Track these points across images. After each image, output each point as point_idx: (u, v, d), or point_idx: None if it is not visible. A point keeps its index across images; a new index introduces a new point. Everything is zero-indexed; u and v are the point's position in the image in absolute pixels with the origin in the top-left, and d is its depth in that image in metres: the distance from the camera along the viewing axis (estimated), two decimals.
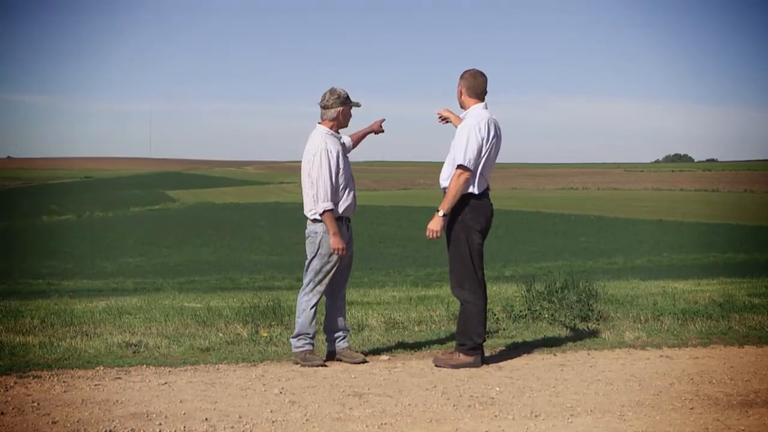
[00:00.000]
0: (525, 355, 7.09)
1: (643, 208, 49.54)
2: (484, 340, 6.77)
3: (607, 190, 74.46)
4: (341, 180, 6.72)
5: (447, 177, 6.71)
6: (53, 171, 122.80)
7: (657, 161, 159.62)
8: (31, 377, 6.07)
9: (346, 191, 6.77)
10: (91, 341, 7.24)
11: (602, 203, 54.17)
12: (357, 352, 6.93)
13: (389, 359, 6.91)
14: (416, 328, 8.14)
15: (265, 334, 7.51)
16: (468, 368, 6.55)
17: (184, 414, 5.25)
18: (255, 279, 22.28)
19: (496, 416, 5.32)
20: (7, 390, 5.75)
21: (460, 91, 6.79)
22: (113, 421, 5.09)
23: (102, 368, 6.40)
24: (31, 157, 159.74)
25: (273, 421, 5.15)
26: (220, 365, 6.60)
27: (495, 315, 8.36)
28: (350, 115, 6.87)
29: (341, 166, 6.72)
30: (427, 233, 6.64)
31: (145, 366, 6.51)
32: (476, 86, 6.76)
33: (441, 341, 7.52)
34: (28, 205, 54.60)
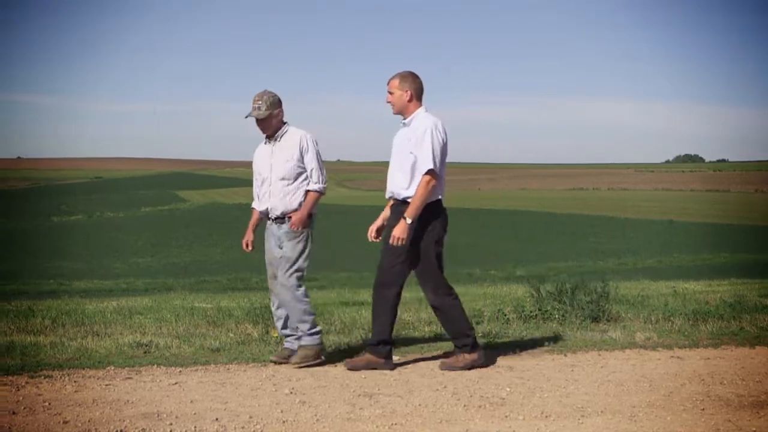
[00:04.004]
0: (535, 355, 7.08)
1: (653, 208, 49.45)
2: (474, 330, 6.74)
3: (618, 191, 74.37)
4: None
5: (407, 186, 6.37)
6: (63, 171, 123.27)
7: (668, 161, 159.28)
8: (42, 377, 6.09)
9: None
10: (101, 341, 7.26)
11: (612, 204, 54.06)
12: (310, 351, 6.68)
13: (399, 360, 6.91)
14: (426, 329, 8.13)
15: (276, 335, 7.51)
16: (478, 368, 6.54)
17: (195, 414, 5.26)
18: (265, 279, 22.27)
19: (506, 417, 5.32)
20: (18, 390, 5.76)
21: (410, 95, 6.42)
22: (124, 420, 5.10)
23: (113, 368, 6.41)
24: (40, 158, 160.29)
25: (283, 421, 5.16)
26: (231, 365, 6.61)
27: (505, 315, 8.36)
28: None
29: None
30: (392, 240, 6.31)
31: (155, 366, 6.52)
32: (421, 89, 6.49)
33: (451, 342, 7.49)
34: (38, 206, 54.82)
